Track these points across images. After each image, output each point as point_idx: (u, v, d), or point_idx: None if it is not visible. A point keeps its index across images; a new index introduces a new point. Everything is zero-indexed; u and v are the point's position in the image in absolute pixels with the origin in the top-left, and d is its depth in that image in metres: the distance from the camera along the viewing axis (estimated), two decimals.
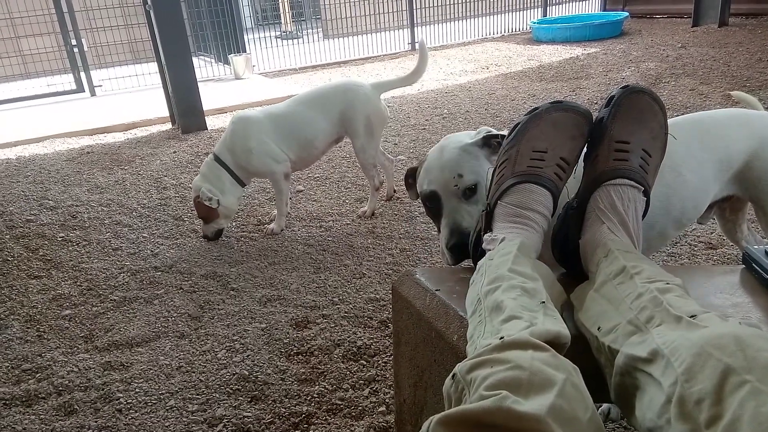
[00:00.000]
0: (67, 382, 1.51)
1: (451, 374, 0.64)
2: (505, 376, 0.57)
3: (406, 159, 3.10)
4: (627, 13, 6.89)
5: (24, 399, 1.46)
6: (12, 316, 1.85)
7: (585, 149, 0.97)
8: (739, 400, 0.50)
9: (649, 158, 0.91)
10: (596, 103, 3.71)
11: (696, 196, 1.17)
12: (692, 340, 0.57)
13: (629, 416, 0.64)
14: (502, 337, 0.64)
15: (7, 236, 2.43)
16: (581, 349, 0.74)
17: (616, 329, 0.69)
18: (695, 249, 1.89)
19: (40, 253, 2.28)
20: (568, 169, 0.95)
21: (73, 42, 5.95)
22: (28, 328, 1.79)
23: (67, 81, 6.10)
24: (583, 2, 8.80)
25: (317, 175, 3.00)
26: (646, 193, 0.89)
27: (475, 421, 0.52)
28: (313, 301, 1.82)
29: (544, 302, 0.73)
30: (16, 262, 2.21)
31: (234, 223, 2.46)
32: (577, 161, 0.97)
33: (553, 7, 8.66)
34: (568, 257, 0.95)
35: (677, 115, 3.32)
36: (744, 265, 0.91)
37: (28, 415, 1.40)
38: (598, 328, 0.72)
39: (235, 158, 2.28)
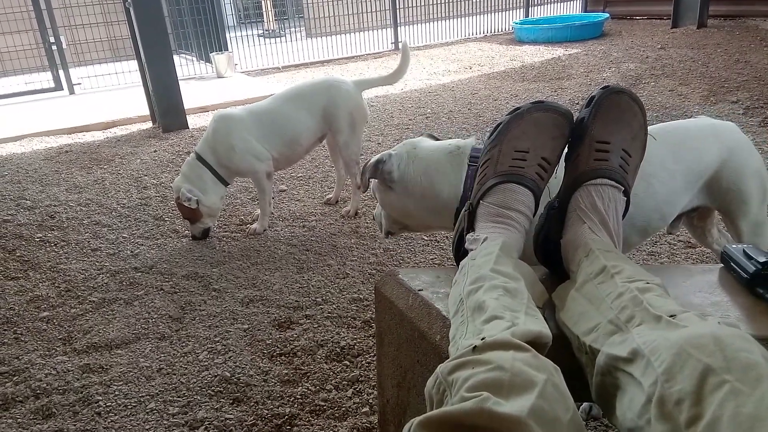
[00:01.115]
0: (45, 385, 1.48)
1: (433, 375, 0.64)
2: (486, 377, 0.57)
3: None
4: (607, 15, 6.97)
5: (1, 402, 1.43)
6: None
7: (566, 149, 0.97)
8: (718, 400, 0.50)
9: (629, 158, 0.92)
10: (577, 104, 3.74)
11: (663, 207, 1.18)
12: (672, 340, 0.57)
13: (610, 416, 0.64)
14: (483, 338, 0.64)
15: None
16: (563, 349, 0.74)
17: (597, 329, 0.69)
18: (675, 248, 1.92)
19: (17, 254, 2.23)
20: (549, 169, 0.96)
21: (52, 39, 5.86)
22: (5, 330, 1.75)
23: (45, 79, 6.00)
24: (565, 3, 8.87)
25: (300, 174, 2.99)
26: (626, 193, 0.90)
27: (455, 423, 0.52)
28: (296, 301, 1.81)
29: (525, 302, 0.74)
30: None
31: (216, 223, 2.43)
32: (559, 161, 0.97)
33: (536, 7, 8.73)
34: (549, 257, 0.95)
35: (657, 116, 3.36)
36: (722, 264, 0.92)
37: (5, 419, 1.37)
38: (578, 329, 0.72)
39: (218, 157, 2.26)
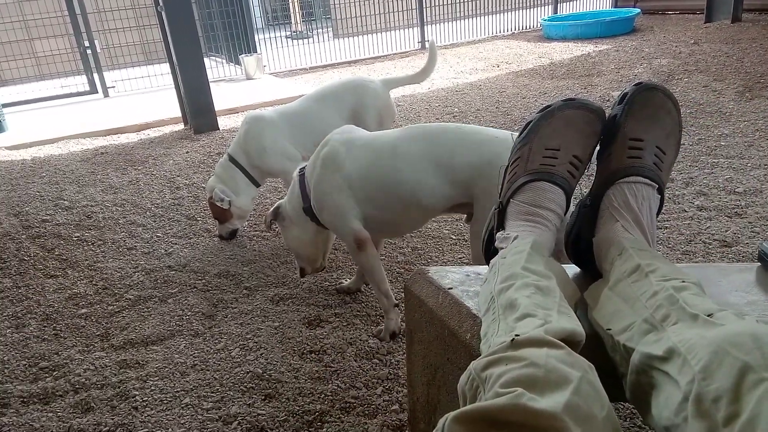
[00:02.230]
0: (83, 380, 1.52)
1: (466, 372, 0.64)
2: (521, 373, 0.57)
3: None
4: (639, 10, 6.83)
5: (41, 397, 1.48)
6: (29, 315, 1.88)
7: (598, 147, 0.97)
8: (756, 397, 0.50)
9: (663, 155, 0.91)
10: (608, 101, 3.69)
11: (424, 194, 1.49)
12: (709, 338, 0.56)
13: (645, 415, 0.64)
14: (517, 335, 0.64)
15: (24, 236, 2.46)
16: (596, 348, 0.74)
17: (632, 327, 0.69)
18: (710, 247, 1.88)
19: (56, 253, 2.30)
20: (581, 167, 0.95)
21: (86, 44, 6.01)
22: (45, 326, 1.81)
23: (80, 82, 6.16)
24: None
25: None
26: (661, 191, 0.89)
27: (490, 418, 0.53)
28: (326, 299, 1.83)
29: (557, 300, 0.73)
30: (32, 261, 2.24)
31: (246, 223, 2.47)
32: (591, 159, 0.97)
33: (564, 4, 8.62)
34: (581, 255, 0.95)
35: (690, 112, 3.30)
36: (760, 263, 0.90)
37: (45, 412, 1.42)
38: (609, 329, 0.72)
39: (249, 158, 2.29)
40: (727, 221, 2.03)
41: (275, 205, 1.79)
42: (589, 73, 4.65)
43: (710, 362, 0.54)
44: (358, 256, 1.61)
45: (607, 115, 0.96)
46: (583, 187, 1.03)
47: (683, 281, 0.71)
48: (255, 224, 2.49)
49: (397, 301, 1.65)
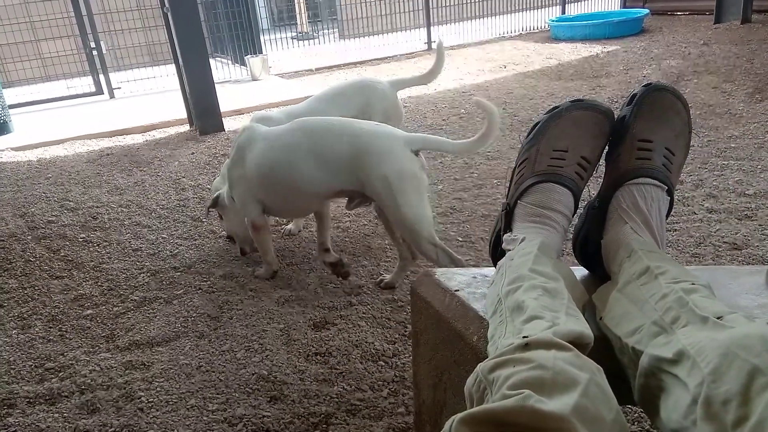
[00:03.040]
0: (89, 380, 1.53)
1: (473, 374, 0.64)
2: (528, 375, 0.56)
3: (423, 158, 3.09)
4: (647, 11, 6.81)
5: (47, 397, 1.48)
6: (35, 316, 1.88)
7: (607, 148, 0.96)
8: (766, 400, 0.49)
9: (673, 156, 0.90)
10: (617, 102, 3.67)
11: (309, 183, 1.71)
12: (719, 341, 0.56)
13: (654, 418, 0.63)
14: (525, 337, 0.63)
15: (30, 237, 2.47)
16: (604, 351, 0.73)
17: (640, 330, 0.68)
18: (720, 250, 1.86)
19: (62, 254, 2.31)
20: (589, 168, 0.95)
21: (92, 45, 6.04)
22: (50, 327, 1.81)
23: (86, 83, 6.20)
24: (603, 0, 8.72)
25: None
26: (670, 192, 0.88)
27: (498, 420, 0.52)
28: (331, 301, 1.82)
29: (565, 302, 0.73)
30: (38, 262, 2.25)
31: None
32: (599, 160, 0.96)
33: (572, 4, 8.60)
34: (589, 257, 0.94)
35: (700, 113, 3.29)
36: None
37: (51, 413, 1.42)
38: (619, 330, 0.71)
39: None
40: (737, 223, 2.02)
41: (216, 194, 2.07)
42: (597, 74, 4.64)
43: (720, 365, 0.53)
44: (254, 235, 1.93)
45: (615, 116, 0.95)
46: (592, 189, 1.02)
47: (693, 283, 0.70)
48: None
49: (277, 269, 2.02)
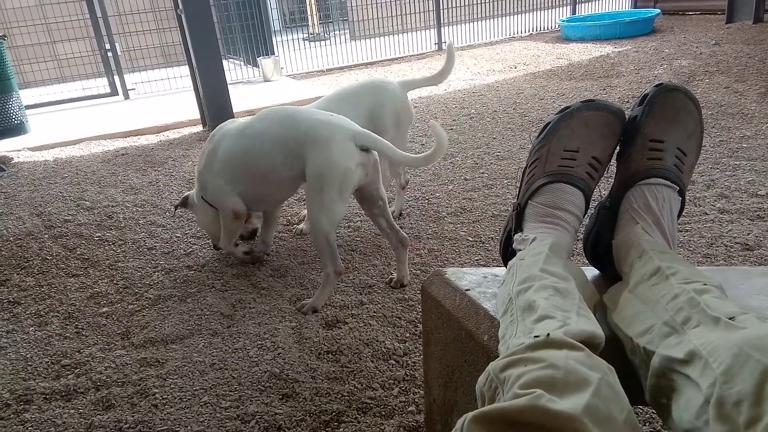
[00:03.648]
0: (104, 377, 1.55)
1: (484, 372, 0.64)
2: (540, 374, 0.57)
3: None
4: (659, 11, 6.76)
5: (63, 394, 1.50)
6: (51, 313, 1.91)
7: (618, 148, 0.96)
8: None
9: (684, 157, 0.90)
10: (628, 102, 3.65)
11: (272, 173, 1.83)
12: (731, 341, 0.56)
13: (665, 418, 0.63)
14: (536, 336, 0.64)
15: (46, 236, 2.51)
16: (615, 351, 0.73)
17: (652, 330, 0.68)
18: (731, 250, 1.86)
19: (78, 252, 2.34)
20: (600, 169, 0.95)
21: (107, 46, 6.10)
22: (67, 324, 1.84)
23: (101, 84, 6.25)
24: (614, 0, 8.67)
25: None
26: (682, 193, 0.88)
27: (509, 419, 0.53)
28: (342, 300, 1.84)
29: (576, 302, 0.73)
30: (55, 261, 2.28)
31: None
32: (610, 161, 0.96)
33: (583, 4, 8.55)
34: (600, 258, 0.94)
35: (712, 113, 3.27)
36: None
37: (67, 409, 1.44)
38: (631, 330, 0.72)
39: None
40: (749, 224, 2.00)
41: (184, 195, 2.19)
42: (608, 74, 4.62)
43: (732, 365, 0.54)
44: (229, 222, 2.00)
45: (626, 116, 0.95)
46: (602, 189, 1.03)
47: (704, 284, 0.70)
48: None
49: (246, 256, 2.12)
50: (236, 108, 4.33)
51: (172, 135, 4.33)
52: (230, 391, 1.45)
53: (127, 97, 6.12)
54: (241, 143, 1.89)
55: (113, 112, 5.45)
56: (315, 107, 2.39)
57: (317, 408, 1.36)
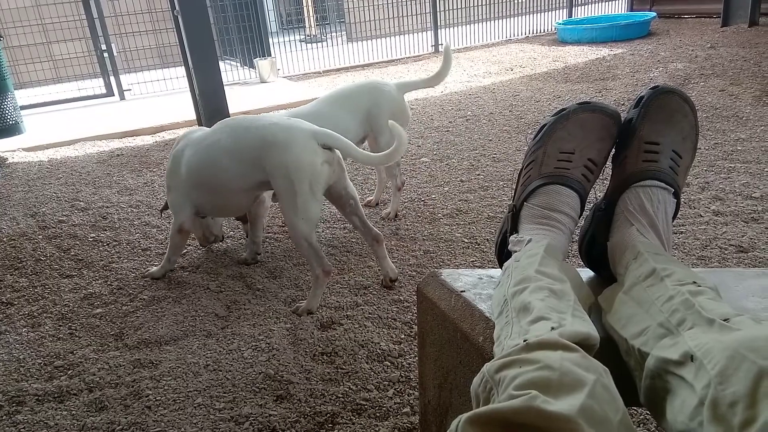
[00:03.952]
0: (98, 378, 1.54)
1: (479, 374, 0.64)
2: (535, 376, 0.57)
3: (429, 161, 3.10)
4: (654, 14, 6.79)
5: (56, 395, 1.49)
6: (45, 314, 1.90)
7: (613, 151, 0.96)
8: None
9: (680, 159, 0.90)
10: (623, 104, 3.67)
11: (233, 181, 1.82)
12: (726, 343, 0.56)
13: (660, 419, 0.63)
14: (534, 336, 0.64)
15: (40, 236, 2.50)
16: (610, 352, 0.73)
17: (646, 332, 0.68)
18: (726, 252, 1.86)
19: (72, 253, 2.33)
20: (596, 171, 0.95)
21: (103, 47, 6.09)
22: (60, 325, 1.83)
23: (97, 85, 6.24)
24: (610, 2, 8.70)
25: None
26: (677, 195, 0.88)
27: (504, 420, 0.53)
28: (338, 302, 1.83)
29: (571, 304, 0.73)
30: (48, 261, 2.27)
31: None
32: (605, 163, 0.96)
33: (579, 7, 8.58)
34: (595, 259, 0.94)
35: (707, 116, 3.28)
36: None
37: (60, 410, 1.43)
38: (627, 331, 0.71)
39: None
40: (744, 226, 2.01)
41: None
42: (604, 76, 4.63)
43: (727, 367, 0.54)
44: (175, 236, 2.03)
45: (622, 118, 0.95)
46: (598, 191, 1.03)
47: (699, 285, 0.70)
48: (267, 226, 2.50)
49: (172, 268, 2.11)
50: (232, 109, 4.32)
51: (167, 136, 4.32)
52: (224, 393, 1.44)
53: (122, 97, 6.10)
54: (197, 156, 1.89)
55: (109, 112, 5.43)
56: (312, 107, 2.39)
57: (312, 409, 1.36)
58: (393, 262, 2.06)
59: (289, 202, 1.71)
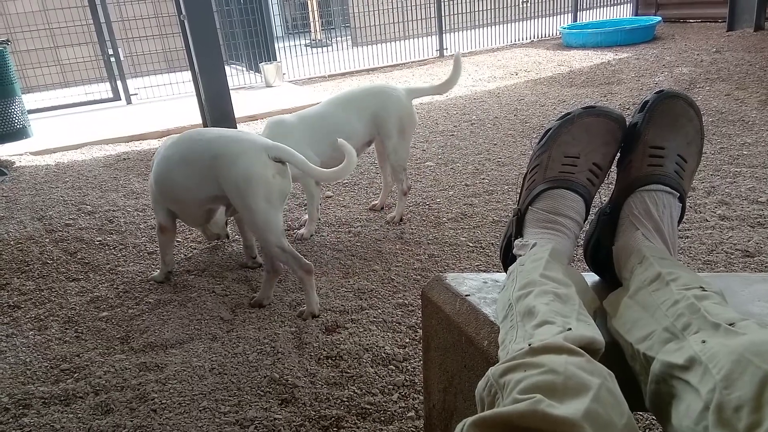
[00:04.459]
0: (104, 382, 1.55)
1: (484, 378, 0.64)
2: (539, 379, 0.57)
3: (434, 165, 3.10)
4: (659, 18, 6.78)
5: (62, 398, 1.50)
6: (51, 318, 1.91)
7: (618, 155, 0.96)
8: None
9: (685, 164, 0.90)
10: (629, 109, 3.66)
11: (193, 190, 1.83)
12: (731, 347, 0.56)
13: (665, 424, 0.63)
14: (536, 341, 0.64)
15: (47, 240, 2.51)
16: (615, 357, 0.73)
17: (652, 336, 0.68)
18: (732, 257, 1.85)
19: (79, 257, 2.34)
20: (600, 175, 0.95)
21: (110, 51, 6.12)
22: (66, 329, 1.84)
23: (104, 89, 6.28)
24: (615, 7, 8.69)
25: (346, 181, 3.03)
26: (682, 199, 0.88)
27: (509, 424, 0.53)
28: (342, 305, 1.83)
29: (576, 308, 0.73)
30: (55, 265, 2.28)
31: None
32: (610, 167, 0.96)
33: (584, 12, 8.58)
34: (600, 263, 0.94)
35: (712, 121, 3.27)
36: None
37: (66, 414, 1.44)
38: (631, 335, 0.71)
39: None
40: (750, 231, 2.00)
41: None
42: (608, 81, 4.63)
43: (732, 371, 0.53)
44: (159, 235, 2.06)
45: (627, 122, 0.95)
46: (603, 195, 1.03)
47: (705, 290, 0.70)
48: None
49: (171, 269, 2.11)
50: (238, 113, 4.33)
51: None
52: (229, 396, 1.45)
53: (129, 102, 6.14)
54: (158, 168, 1.92)
55: (115, 116, 5.46)
56: (319, 109, 2.40)
57: (317, 413, 1.36)
58: (397, 266, 2.06)
59: (249, 219, 1.75)
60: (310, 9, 10.35)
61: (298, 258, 1.77)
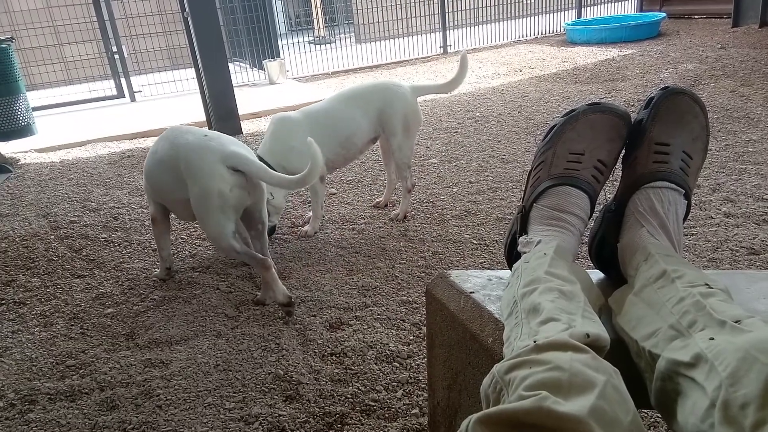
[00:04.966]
0: (109, 378, 1.55)
1: (489, 374, 0.64)
2: (545, 376, 0.57)
3: (438, 162, 3.10)
4: (664, 14, 6.75)
5: (68, 394, 1.51)
6: (57, 314, 1.92)
7: (623, 151, 0.96)
8: None
9: (690, 160, 0.90)
10: (633, 105, 3.65)
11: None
12: (737, 345, 0.56)
13: (670, 422, 0.63)
14: (541, 338, 0.64)
15: (52, 237, 2.52)
16: (620, 354, 0.73)
17: (657, 334, 0.68)
18: (737, 254, 1.85)
19: (84, 253, 2.35)
20: (605, 172, 0.95)
21: (114, 49, 6.14)
22: (72, 325, 1.85)
23: (108, 87, 6.30)
24: (619, 3, 8.66)
25: (350, 178, 3.03)
26: (687, 196, 0.88)
27: (514, 421, 0.53)
28: (346, 303, 1.84)
29: (581, 305, 0.73)
30: (60, 261, 2.29)
31: (278, 221, 2.49)
32: (615, 163, 0.96)
33: (588, 8, 8.55)
34: (605, 261, 0.94)
35: (718, 117, 3.26)
36: None
37: (72, 409, 1.44)
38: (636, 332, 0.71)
39: (276, 158, 2.30)
40: (755, 228, 2.00)
41: None
42: (613, 77, 4.61)
43: (738, 368, 0.53)
44: (152, 227, 2.08)
45: (632, 119, 0.95)
46: (608, 192, 1.02)
47: (710, 287, 0.70)
48: (277, 227, 2.51)
49: (170, 266, 2.11)
50: (242, 110, 4.34)
51: None
52: (234, 393, 1.45)
53: (133, 99, 6.15)
54: (147, 161, 1.94)
55: (120, 114, 5.48)
56: (324, 105, 2.40)
57: (321, 410, 1.36)
58: (401, 264, 2.06)
59: (203, 227, 1.81)
60: (313, 6, 10.35)
61: (254, 256, 1.78)
